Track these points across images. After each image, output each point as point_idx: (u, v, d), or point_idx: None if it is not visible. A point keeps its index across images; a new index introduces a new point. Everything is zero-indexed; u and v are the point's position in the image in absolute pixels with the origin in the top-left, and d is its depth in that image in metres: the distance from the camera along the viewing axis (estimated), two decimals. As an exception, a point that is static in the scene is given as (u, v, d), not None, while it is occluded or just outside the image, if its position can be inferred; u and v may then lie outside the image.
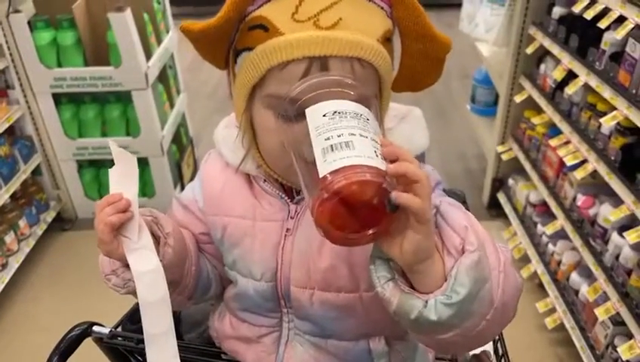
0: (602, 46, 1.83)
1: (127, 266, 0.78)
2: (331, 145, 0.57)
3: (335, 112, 0.60)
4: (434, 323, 0.60)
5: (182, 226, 0.88)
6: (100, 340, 0.85)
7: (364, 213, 0.58)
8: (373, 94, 0.72)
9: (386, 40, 0.71)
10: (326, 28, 0.66)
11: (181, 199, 0.92)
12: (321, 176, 0.56)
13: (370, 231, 0.59)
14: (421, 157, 0.87)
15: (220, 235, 0.85)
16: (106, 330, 0.85)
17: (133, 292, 0.77)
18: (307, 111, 0.62)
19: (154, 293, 0.74)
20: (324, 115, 0.60)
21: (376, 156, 0.57)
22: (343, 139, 0.57)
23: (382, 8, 0.70)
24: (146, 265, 0.74)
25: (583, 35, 1.96)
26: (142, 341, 0.82)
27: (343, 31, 0.66)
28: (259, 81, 0.71)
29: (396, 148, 0.59)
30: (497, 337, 0.91)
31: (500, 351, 0.87)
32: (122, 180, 0.75)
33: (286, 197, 0.81)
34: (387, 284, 0.63)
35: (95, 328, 0.85)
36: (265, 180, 0.82)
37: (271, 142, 0.73)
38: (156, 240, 0.78)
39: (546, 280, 2.21)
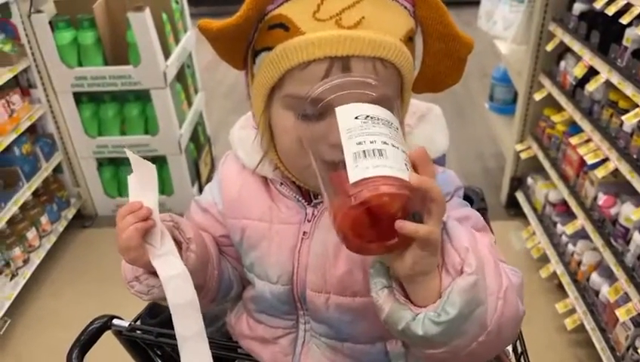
0: (624, 42, 1.80)
1: (150, 273, 0.79)
2: (364, 151, 0.56)
3: (368, 116, 0.59)
4: (420, 338, 0.60)
5: (202, 229, 0.88)
6: (119, 333, 0.86)
7: (385, 225, 0.57)
8: (395, 95, 0.71)
9: (409, 39, 0.70)
10: (348, 27, 0.65)
11: (200, 202, 0.92)
12: (351, 181, 0.55)
13: (388, 243, 0.59)
14: (442, 159, 0.85)
15: (238, 238, 0.85)
16: (125, 323, 0.86)
17: (157, 298, 0.78)
18: (337, 110, 0.60)
19: (183, 297, 0.74)
20: (356, 118, 0.59)
21: (407, 169, 0.57)
22: (375, 146, 0.56)
23: (405, 7, 0.69)
24: (172, 270, 0.74)
25: (604, 32, 1.93)
26: (162, 334, 0.83)
27: (366, 30, 0.65)
28: (278, 81, 0.70)
29: (423, 161, 0.59)
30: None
31: (520, 349, 0.86)
32: (141, 187, 0.75)
33: (303, 201, 0.81)
34: (382, 291, 0.62)
35: (115, 321, 0.86)
36: (282, 183, 0.82)
37: (289, 143, 0.72)
38: (178, 245, 0.78)
39: (565, 280, 2.18)
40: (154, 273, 0.78)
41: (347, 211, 0.55)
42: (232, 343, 0.90)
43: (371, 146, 0.56)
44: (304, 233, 0.80)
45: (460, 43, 0.72)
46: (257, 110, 0.75)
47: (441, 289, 0.60)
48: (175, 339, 0.85)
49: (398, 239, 0.58)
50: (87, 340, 0.83)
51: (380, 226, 0.57)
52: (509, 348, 0.90)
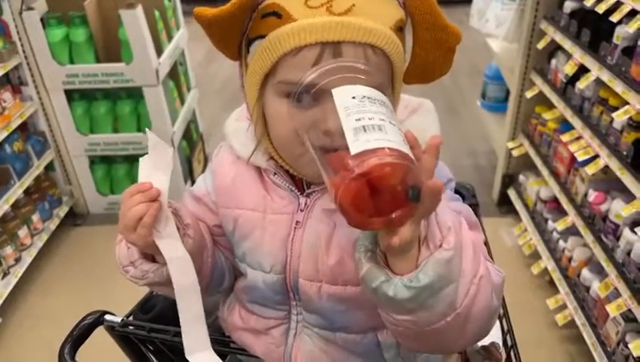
0: (614, 40, 1.81)
1: (145, 258, 0.80)
2: (363, 126, 0.57)
3: (364, 97, 0.60)
4: (389, 299, 0.63)
5: (193, 218, 0.88)
6: (111, 329, 0.86)
7: (385, 199, 0.57)
8: (386, 83, 0.72)
9: (399, 29, 0.71)
10: (339, 14, 0.66)
11: (193, 191, 0.92)
12: (353, 153, 0.56)
13: (389, 217, 0.59)
14: None
15: (231, 227, 0.86)
16: (117, 319, 0.86)
17: (152, 284, 0.78)
18: (334, 91, 0.61)
19: (186, 278, 0.75)
20: (353, 97, 0.60)
21: (405, 144, 0.58)
22: (374, 122, 0.57)
23: None
24: (175, 252, 0.75)
25: (594, 30, 1.95)
26: (154, 330, 0.83)
27: (356, 17, 0.66)
28: (271, 69, 0.71)
29: (414, 143, 0.60)
30: (507, 328, 0.91)
31: (510, 343, 0.87)
32: (153, 169, 0.75)
33: (296, 190, 0.82)
34: (365, 253, 0.65)
35: (107, 317, 0.86)
36: (275, 173, 0.82)
37: (283, 130, 0.73)
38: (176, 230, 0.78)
39: (556, 276, 2.20)
40: (149, 258, 0.79)
41: (348, 183, 0.55)
42: (225, 338, 0.91)
43: (370, 122, 0.57)
44: (297, 222, 0.81)
45: (448, 33, 0.73)
46: (251, 99, 0.76)
47: (418, 261, 0.63)
48: (167, 334, 0.85)
49: (399, 212, 0.58)
50: (79, 336, 0.83)
51: (380, 199, 0.57)
52: (500, 342, 0.91)
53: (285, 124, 0.72)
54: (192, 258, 0.78)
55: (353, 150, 0.56)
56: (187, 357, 0.78)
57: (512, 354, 0.86)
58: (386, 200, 0.57)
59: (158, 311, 0.96)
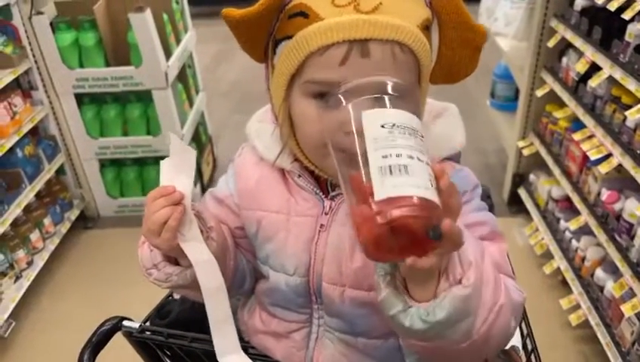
0: (627, 38, 1.80)
1: (168, 260, 0.79)
2: (390, 166, 0.56)
3: (394, 125, 0.59)
4: (405, 328, 0.64)
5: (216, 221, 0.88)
6: (129, 334, 0.86)
7: (405, 239, 0.58)
8: (414, 82, 0.72)
9: (425, 28, 0.72)
10: (366, 12, 0.66)
11: (215, 193, 0.92)
12: (377, 199, 0.56)
13: (408, 254, 0.60)
14: (457, 157, 0.85)
15: (254, 229, 0.86)
16: (135, 325, 0.86)
17: (175, 287, 0.78)
18: (364, 115, 0.60)
19: (214, 281, 0.75)
20: (382, 126, 0.59)
21: (431, 186, 0.57)
22: (401, 161, 0.56)
23: None
24: (201, 255, 0.75)
25: (606, 27, 1.93)
26: (172, 335, 0.83)
27: (384, 15, 0.66)
28: (298, 69, 0.71)
29: (448, 180, 0.59)
30: (526, 331, 0.90)
31: (530, 347, 0.86)
32: (175, 172, 0.75)
33: (321, 193, 0.81)
34: (385, 276, 0.65)
35: (125, 323, 0.86)
36: (299, 175, 0.82)
37: (310, 130, 0.73)
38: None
39: (569, 276, 2.18)
40: (172, 261, 0.79)
41: (371, 228, 0.56)
42: (243, 343, 0.90)
43: (397, 161, 0.56)
44: (321, 225, 0.81)
45: (475, 32, 0.73)
46: (277, 100, 0.76)
47: (436, 291, 0.63)
48: (184, 340, 0.85)
49: (420, 250, 0.59)
50: (98, 341, 0.83)
51: (400, 239, 0.57)
52: (519, 345, 0.91)
53: (312, 124, 0.72)
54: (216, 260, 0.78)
55: (377, 195, 0.55)
56: (219, 359, 0.78)
57: (532, 357, 0.85)
58: (406, 241, 0.58)
59: (175, 316, 0.96)
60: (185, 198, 0.74)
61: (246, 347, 0.88)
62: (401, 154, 0.57)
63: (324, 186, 0.82)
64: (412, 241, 0.57)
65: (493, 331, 0.65)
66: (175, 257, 0.80)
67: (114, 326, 0.85)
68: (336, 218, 0.80)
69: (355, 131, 0.60)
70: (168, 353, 0.94)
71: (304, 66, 0.70)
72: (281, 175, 0.84)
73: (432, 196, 0.56)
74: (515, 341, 0.91)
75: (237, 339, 0.79)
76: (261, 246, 0.86)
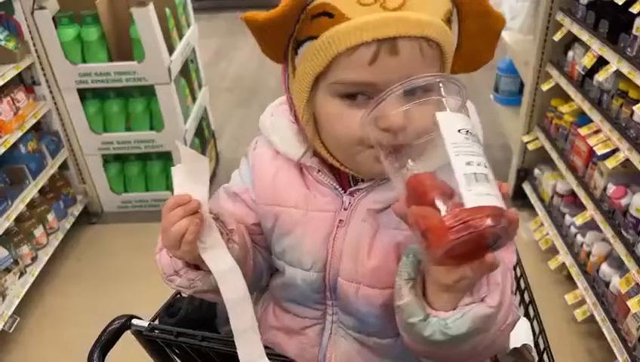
0: (634, 32, 1.78)
1: (189, 266, 0.78)
2: (475, 174, 0.57)
3: (468, 132, 0.59)
4: (421, 337, 0.65)
5: (232, 218, 0.86)
6: (139, 333, 0.86)
7: (474, 247, 0.58)
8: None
9: (447, 20, 0.71)
10: (393, 9, 0.65)
11: (230, 188, 0.90)
12: (467, 206, 0.56)
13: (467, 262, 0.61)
14: None
15: (270, 224, 0.85)
16: (144, 323, 0.85)
17: (200, 292, 0.77)
18: (439, 116, 0.60)
19: (237, 291, 0.74)
20: (459, 131, 0.59)
21: (499, 194, 0.58)
22: (482, 170, 0.57)
23: None
24: (223, 264, 0.73)
25: (613, 21, 1.91)
26: (181, 334, 0.82)
27: (411, 11, 0.65)
28: (323, 69, 0.70)
29: (507, 188, 0.61)
30: (539, 330, 0.90)
31: (542, 345, 0.86)
32: (190, 179, 0.73)
33: (340, 189, 0.81)
34: (407, 282, 0.66)
35: (134, 321, 0.85)
36: (319, 170, 0.81)
37: (340, 130, 0.72)
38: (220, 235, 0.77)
39: (574, 271, 2.18)
40: (193, 266, 0.78)
41: (454, 237, 0.56)
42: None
43: (479, 170, 0.57)
44: (340, 221, 0.80)
45: (494, 18, 0.72)
46: (300, 101, 0.75)
47: (457, 304, 0.64)
48: (194, 339, 0.84)
49: (479, 256, 0.60)
50: (107, 340, 0.83)
51: (466, 246, 0.57)
52: (531, 344, 0.90)
53: (342, 123, 0.71)
54: (238, 263, 0.77)
55: (468, 203, 0.56)
56: None
57: (544, 356, 0.84)
58: (473, 249, 0.59)
59: (184, 314, 0.96)
60: (201, 206, 0.72)
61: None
62: (480, 163, 0.58)
63: (344, 181, 0.81)
64: (475, 248, 0.58)
65: (495, 346, 0.69)
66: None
67: (123, 324, 0.85)
68: (356, 214, 0.79)
69: (417, 131, 0.61)
70: (177, 351, 0.93)
71: (330, 67, 0.69)
72: (299, 170, 0.83)
73: (504, 206, 0.57)
74: (527, 339, 0.90)
75: (261, 346, 0.77)
76: (277, 241, 0.85)
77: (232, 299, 0.74)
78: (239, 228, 0.83)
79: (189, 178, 0.73)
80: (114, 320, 0.85)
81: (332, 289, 0.82)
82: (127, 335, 0.92)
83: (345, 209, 0.80)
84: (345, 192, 0.80)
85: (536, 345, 0.89)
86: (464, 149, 0.58)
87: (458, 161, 0.57)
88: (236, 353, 0.85)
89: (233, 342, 0.81)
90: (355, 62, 0.67)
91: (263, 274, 0.91)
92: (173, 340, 0.83)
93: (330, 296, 0.83)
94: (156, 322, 0.93)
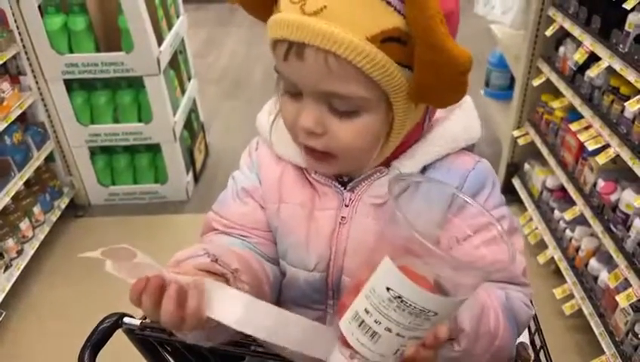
0: (626, 28, 1.78)
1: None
2: (362, 322, 0.58)
3: (399, 298, 0.55)
4: None
5: (244, 221, 0.83)
6: (130, 331, 0.84)
7: None
8: (367, 97, 0.66)
9: (387, 40, 0.62)
10: (309, 14, 0.62)
11: (238, 188, 0.86)
12: (339, 336, 0.61)
13: None
14: (472, 148, 0.84)
15: (275, 223, 0.83)
16: (136, 322, 0.84)
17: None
18: (384, 261, 0.57)
19: (269, 321, 0.65)
20: (387, 289, 0.56)
21: (393, 355, 0.59)
22: (375, 328, 0.58)
23: (388, 3, 0.61)
24: (234, 311, 0.64)
25: (605, 17, 1.92)
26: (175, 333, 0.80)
27: (323, 20, 0.61)
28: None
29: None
30: (535, 327, 0.90)
31: (538, 344, 0.86)
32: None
33: (339, 186, 0.79)
34: None
35: (126, 319, 0.83)
36: (316, 171, 0.80)
37: (285, 120, 0.74)
38: (224, 279, 0.69)
39: (563, 266, 2.19)
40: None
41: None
42: (246, 340, 0.88)
43: (373, 325, 0.58)
44: (342, 218, 0.79)
45: (449, 57, 0.60)
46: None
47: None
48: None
49: None
50: (98, 340, 0.81)
51: None
52: (527, 341, 0.90)
53: (283, 112, 0.73)
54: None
55: (341, 327, 0.61)
56: None
57: (541, 354, 0.84)
58: None
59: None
60: (177, 277, 0.62)
61: (248, 343, 0.86)
62: (381, 323, 0.57)
63: (344, 178, 0.80)
64: None
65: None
66: None
67: (114, 323, 0.83)
68: (358, 209, 0.78)
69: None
70: (169, 349, 0.92)
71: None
72: (303, 170, 0.82)
73: (382, 361, 0.59)
74: (523, 337, 0.90)
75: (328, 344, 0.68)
76: (281, 240, 0.84)
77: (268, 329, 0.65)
78: (248, 262, 0.77)
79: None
80: (104, 319, 0.83)
81: (334, 289, 0.81)
82: (117, 332, 0.90)
83: (346, 205, 0.79)
84: (345, 188, 0.79)
85: (532, 342, 0.89)
86: (375, 304, 0.57)
87: (360, 300, 0.59)
88: (229, 351, 0.84)
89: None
90: (277, 55, 0.68)
91: (278, 285, 0.86)
92: (167, 339, 0.81)
93: (332, 295, 0.82)
94: (147, 320, 0.91)
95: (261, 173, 0.85)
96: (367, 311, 0.57)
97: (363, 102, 0.66)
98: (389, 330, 0.57)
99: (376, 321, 0.57)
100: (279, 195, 0.83)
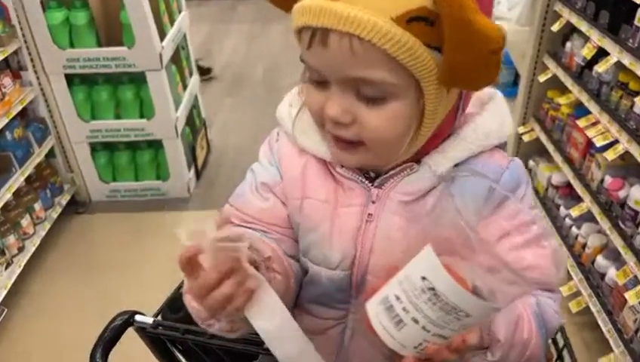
0: (636, 22, 1.76)
1: None
2: (390, 307, 0.57)
3: (433, 289, 0.54)
4: None
5: (263, 217, 0.80)
6: (142, 330, 0.82)
7: None
8: (396, 83, 0.63)
9: (412, 20, 0.60)
10: None
11: (257, 182, 0.83)
12: (365, 306, 0.60)
13: None
14: (504, 146, 0.81)
15: (298, 219, 0.81)
16: (149, 320, 0.82)
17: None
18: (425, 249, 0.56)
19: (293, 347, 0.65)
20: (423, 278, 0.54)
21: (413, 348, 0.57)
22: (403, 316, 0.56)
23: None
24: (271, 319, 0.63)
25: (614, 11, 1.90)
26: (188, 331, 0.79)
27: (347, 4, 0.59)
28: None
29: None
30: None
31: (561, 343, 0.84)
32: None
33: (367, 181, 0.77)
34: None
35: (137, 317, 0.82)
36: (342, 165, 0.77)
37: (310, 108, 0.72)
38: (255, 266, 0.66)
39: (569, 263, 2.18)
40: None
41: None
42: (259, 338, 0.87)
43: (400, 313, 0.56)
44: (369, 215, 0.76)
45: (480, 34, 0.58)
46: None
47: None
48: (202, 336, 0.81)
49: None
50: (110, 338, 0.79)
51: None
52: (549, 341, 0.88)
53: (308, 99, 0.71)
54: (281, 293, 0.68)
55: (367, 308, 0.60)
56: None
57: (564, 353, 0.83)
58: None
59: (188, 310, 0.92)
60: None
61: (260, 341, 0.84)
62: (409, 312, 0.56)
63: (371, 174, 0.77)
64: None
65: None
66: None
67: (125, 321, 0.81)
68: (386, 207, 0.75)
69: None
70: (180, 347, 0.90)
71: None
72: (325, 163, 0.79)
73: (406, 353, 0.57)
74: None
75: None
76: (304, 236, 0.81)
77: (291, 357, 0.65)
78: (277, 252, 0.76)
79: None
80: (116, 317, 0.81)
81: (358, 288, 0.79)
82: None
83: (373, 202, 0.76)
84: (373, 185, 0.76)
85: (554, 341, 0.88)
86: (408, 292, 0.56)
87: (392, 286, 0.58)
88: (243, 350, 0.83)
89: (242, 339, 0.78)
90: (302, 43, 0.66)
91: (301, 281, 0.84)
92: (180, 337, 0.79)
93: (355, 295, 0.80)
94: (159, 318, 0.89)
95: (282, 166, 0.82)
96: (397, 297, 0.56)
97: (391, 87, 0.64)
98: (416, 321, 0.55)
99: (404, 309, 0.55)
100: (302, 190, 0.80)
